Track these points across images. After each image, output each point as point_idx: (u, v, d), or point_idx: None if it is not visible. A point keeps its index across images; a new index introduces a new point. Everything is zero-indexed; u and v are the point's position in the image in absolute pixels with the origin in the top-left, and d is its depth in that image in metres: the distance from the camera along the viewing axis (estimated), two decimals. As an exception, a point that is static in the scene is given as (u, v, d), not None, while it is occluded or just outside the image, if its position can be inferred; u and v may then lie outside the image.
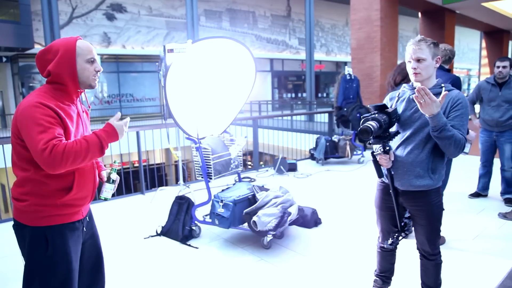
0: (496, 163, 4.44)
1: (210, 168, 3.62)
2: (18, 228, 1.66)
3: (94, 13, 16.31)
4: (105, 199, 1.85)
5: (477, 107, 4.66)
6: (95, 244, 1.89)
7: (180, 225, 3.55)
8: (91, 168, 1.74)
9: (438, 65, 2.03)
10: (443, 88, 1.99)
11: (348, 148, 6.66)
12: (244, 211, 3.33)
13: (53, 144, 1.48)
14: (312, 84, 18.67)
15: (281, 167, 6.13)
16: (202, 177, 3.68)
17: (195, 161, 3.72)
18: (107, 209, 4.46)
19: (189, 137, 3.70)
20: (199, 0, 16.92)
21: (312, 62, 18.50)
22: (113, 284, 2.74)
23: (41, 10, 13.63)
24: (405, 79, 3.98)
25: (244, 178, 5.65)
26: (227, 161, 3.83)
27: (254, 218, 3.19)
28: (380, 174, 2.14)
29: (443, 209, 2.17)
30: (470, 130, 3.48)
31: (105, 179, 1.85)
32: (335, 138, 6.84)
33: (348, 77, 6.74)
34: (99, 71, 1.72)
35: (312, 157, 6.99)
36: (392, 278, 2.44)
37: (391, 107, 2.11)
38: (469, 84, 32.69)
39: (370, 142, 2.01)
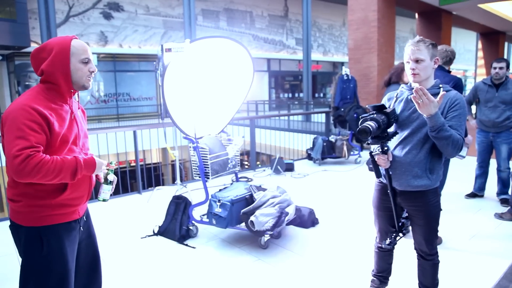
0: (493, 163, 4.46)
1: (208, 167, 3.61)
2: (14, 228, 1.66)
3: (91, 12, 16.23)
4: (104, 200, 1.83)
5: (473, 108, 4.68)
6: (92, 243, 1.88)
7: (177, 225, 3.54)
8: None
9: (436, 66, 2.03)
10: (441, 89, 2.00)
11: (345, 148, 6.67)
12: (242, 211, 3.33)
13: (27, 154, 1.45)
14: (309, 84, 18.68)
15: (278, 167, 6.13)
16: (199, 177, 3.68)
17: (193, 160, 3.72)
18: (104, 209, 4.44)
19: (186, 136, 3.69)
20: (196, 0, 16.89)
21: (309, 62, 18.52)
22: (110, 284, 2.73)
23: (37, 8, 13.55)
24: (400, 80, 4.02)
25: (241, 178, 5.65)
26: (225, 160, 3.83)
27: (252, 218, 3.18)
28: (378, 174, 2.14)
29: (441, 209, 2.18)
30: (468, 135, 3.50)
31: (102, 180, 1.83)
32: (332, 138, 6.84)
33: (345, 78, 6.75)
34: (93, 72, 1.70)
35: (309, 157, 7.00)
36: (390, 278, 2.44)
37: (389, 107, 2.11)
38: (465, 85, 32.81)
39: (369, 142, 2.02)
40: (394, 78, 4.09)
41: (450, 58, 3.44)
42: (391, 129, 2.08)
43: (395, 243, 2.21)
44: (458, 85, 3.25)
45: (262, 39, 21.59)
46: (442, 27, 11.23)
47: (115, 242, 3.52)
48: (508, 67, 4.12)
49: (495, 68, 4.13)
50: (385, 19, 8.86)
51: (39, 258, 1.62)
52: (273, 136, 8.89)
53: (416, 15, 11.85)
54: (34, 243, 1.61)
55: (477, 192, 4.56)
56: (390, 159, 2.06)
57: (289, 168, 6.26)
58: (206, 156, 3.61)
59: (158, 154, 13.99)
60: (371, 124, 1.90)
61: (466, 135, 3.39)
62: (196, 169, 3.70)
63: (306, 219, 3.76)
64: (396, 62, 4.63)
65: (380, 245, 2.32)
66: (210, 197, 3.51)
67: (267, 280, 2.80)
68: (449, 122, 1.94)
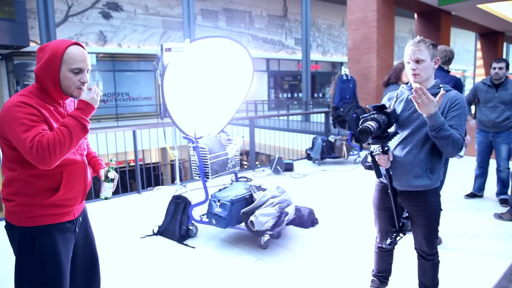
0: (492, 164, 4.46)
1: (208, 167, 3.61)
2: (8, 228, 1.66)
3: (90, 12, 16.21)
4: (106, 198, 1.82)
5: (473, 108, 4.68)
6: (89, 244, 1.87)
7: (177, 225, 3.54)
8: (81, 168, 1.70)
9: (436, 66, 2.03)
10: (441, 89, 2.00)
11: (344, 148, 6.67)
12: (242, 210, 3.32)
13: (38, 140, 1.46)
14: (308, 84, 18.68)
15: (278, 167, 6.13)
16: (199, 177, 3.67)
17: (192, 160, 3.71)
18: (103, 208, 4.44)
19: (186, 136, 3.69)
20: (195, 0, 16.89)
21: (308, 62, 18.51)
22: (110, 284, 2.72)
23: (36, 8, 13.53)
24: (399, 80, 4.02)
25: (240, 178, 5.64)
26: (224, 160, 3.82)
27: (252, 218, 3.18)
28: (378, 174, 2.14)
29: (441, 209, 2.18)
30: (467, 135, 3.50)
31: (103, 178, 1.81)
32: (331, 138, 6.84)
33: (344, 78, 6.75)
34: (84, 82, 1.63)
35: (308, 157, 7.00)
36: (390, 278, 2.44)
37: (389, 107, 2.11)
38: (464, 86, 32.85)
39: (369, 142, 2.02)
40: (393, 79, 4.09)
41: (449, 58, 3.44)
42: (392, 129, 2.08)
43: (396, 243, 2.20)
44: (458, 85, 3.26)
45: (261, 39, 21.59)
46: (441, 27, 11.25)
47: (114, 242, 3.51)
48: (507, 67, 4.13)
49: (494, 68, 4.13)
50: (384, 19, 8.86)
51: (32, 258, 1.61)
52: (273, 136, 8.89)
53: (415, 15, 11.86)
54: (27, 244, 1.61)
55: (477, 192, 4.56)
56: (391, 159, 2.06)
57: (289, 168, 6.26)
58: (206, 156, 3.61)
59: (157, 154, 13.98)
60: (371, 124, 1.89)
61: (465, 135, 3.39)
62: (196, 169, 3.69)
63: (306, 219, 3.76)
64: (395, 62, 4.64)
65: (380, 245, 2.32)
66: (209, 197, 3.51)
67: (267, 280, 2.80)
68: (449, 121, 1.94)
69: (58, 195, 1.62)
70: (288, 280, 2.78)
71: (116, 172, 1.83)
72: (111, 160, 1.81)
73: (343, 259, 3.08)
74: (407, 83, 2.16)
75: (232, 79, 3.95)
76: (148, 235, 3.63)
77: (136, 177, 5.21)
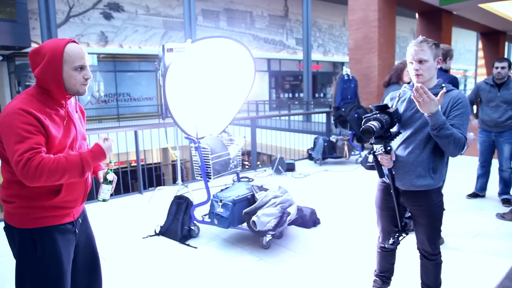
0: (494, 163, 4.45)
1: (210, 167, 3.61)
2: (8, 230, 1.65)
3: (91, 12, 16.23)
4: (104, 200, 1.79)
5: (475, 108, 4.67)
6: (90, 245, 1.87)
7: (179, 225, 3.54)
8: None
9: (439, 66, 2.03)
10: (444, 88, 1.99)
11: (346, 148, 6.67)
12: (244, 211, 3.32)
13: (27, 157, 1.43)
14: (309, 84, 18.67)
15: (279, 167, 6.13)
16: (201, 177, 3.67)
17: (194, 160, 3.71)
18: (105, 209, 4.44)
19: (188, 136, 3.69)
20: (196, 0, 16.89)
21: (309, 62, 18.50)
22: (112, 284, 2.73)
23: (38, 8, 13.54)
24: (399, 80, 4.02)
25: (242, 178, 5.64)
26: (226, 161, 3.82)
27: (254, 218, 3.18)
28: (381, 174, 2.13)
29: (444, 209, 2.17)
30: (468, 132, 3.49)
31: (102, 179, 1.79)
32: (333, 138, 6.84)
33: (346, 78, 6.75)
34: (88, 78, 1.63)
35: (310, 157, 6.99)
36: (392, 278, 2.44)
37: (391, 107, 2.11)
38: (465, 85, 32.79)
39: (372, 142, 2.01)
40: (394, 79, 4.08)
41: (445, 56, 3.42)
42: (394, 129, 2.07)
43: (398, 243, 2.20)
44: (453, 84, 3.24)
45: (262, 39, 21.59)
46: (442, 27, 11.24)
47: (116, 242, 3.52)
48: (510, 66, 4.12)
49: (497, 67, 4.12)
50: (386, 19, 8.85)
51: (33, 260, 1.60)
52: (274, 136, 8.89)
53: (417, 15, 11.85)
54: (28, 245, 1.60)
55: (479, 192, 4.55)
56: (393, 159, 2.05)
57: (290, 168, 6.26)
58: (208, 156, 3.61)
59: (159, 154, 13.98)
60: (374, 124, 1.89)
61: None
62: (197, 169, 3.69)
63: (308, 219, 3.75)
64: (397, 62, 4.63)
65: (382, 245, 2.32)
66: (211, 197, 3.51)
67: (269, 280, 2.79)
68: (451, 121, 1.94)
69: (60, 197, 1.62)
70: (290, 280, 2.78)
71: (117, 172, 1.83)
72: (110, 162, 1.80)
73: (345, 259, 3.08)
74: (408, 83, 2.16)
75: (233, 79, 3.95)
76: (150, 235, 3.63)
77: (138, 177, 5.21)
